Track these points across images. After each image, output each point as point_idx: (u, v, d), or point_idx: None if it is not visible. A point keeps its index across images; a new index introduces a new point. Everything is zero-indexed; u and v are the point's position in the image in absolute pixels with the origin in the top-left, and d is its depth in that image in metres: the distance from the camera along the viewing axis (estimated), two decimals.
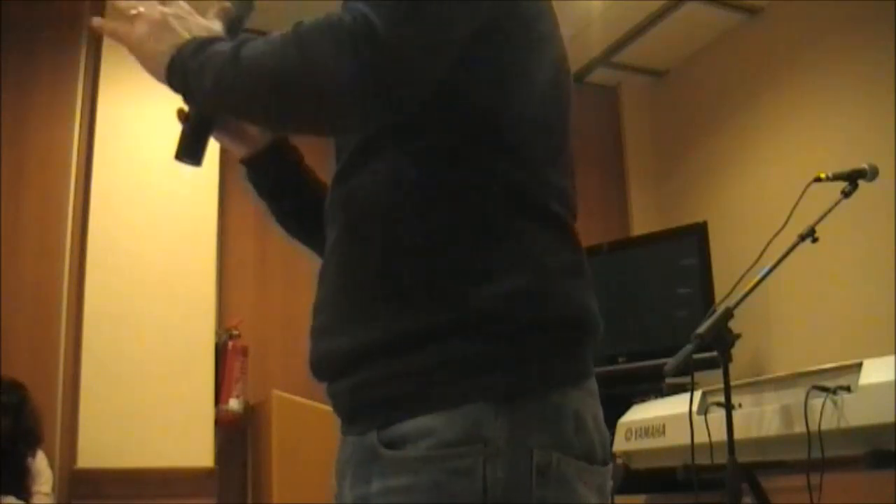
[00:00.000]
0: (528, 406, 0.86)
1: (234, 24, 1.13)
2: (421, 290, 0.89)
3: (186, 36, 1.00)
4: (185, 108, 1.08)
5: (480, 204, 0.90)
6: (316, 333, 0.99)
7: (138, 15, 1.06)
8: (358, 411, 0.93)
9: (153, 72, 1.01)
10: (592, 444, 0.91)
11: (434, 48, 0.86)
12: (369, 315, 0.91)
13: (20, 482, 3.01)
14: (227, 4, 1.14)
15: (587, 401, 0.93)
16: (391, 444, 0.87)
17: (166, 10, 1.04)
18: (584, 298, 0.96)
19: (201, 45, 0.97)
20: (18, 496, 2.98)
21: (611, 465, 0.96)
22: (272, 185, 1.20)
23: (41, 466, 3.12)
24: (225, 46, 0.93)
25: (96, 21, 1.12)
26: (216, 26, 1.08)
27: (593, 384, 0.96)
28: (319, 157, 1.17)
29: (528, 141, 0.95)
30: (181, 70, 0.97)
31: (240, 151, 1.20)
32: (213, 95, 0.95)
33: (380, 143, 0.93)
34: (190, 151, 1.08)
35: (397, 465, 0.86)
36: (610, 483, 0.96)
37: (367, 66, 0.81)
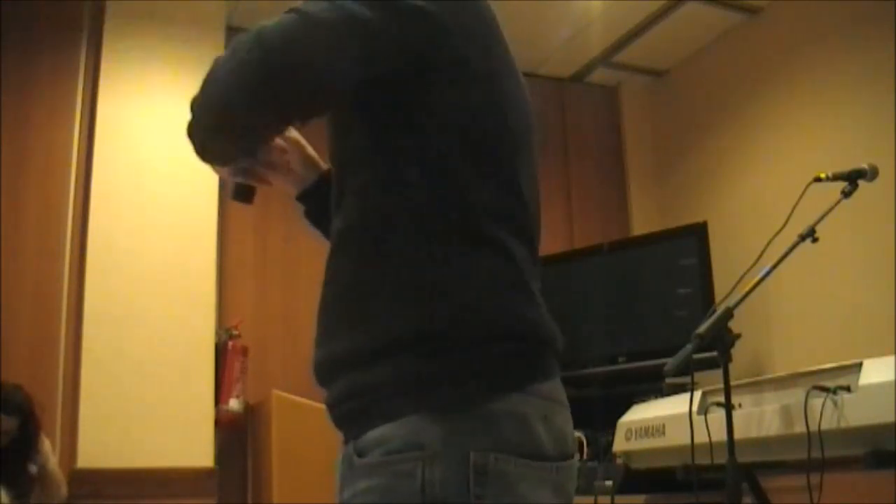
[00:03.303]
0: (465, 413, 0.95)
1: None
2: (376, 308, 1.00)
3: None
4: None
5: (425, 228, 1.01)
6: (314, 342, 1.11)
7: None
8: (341, 422, 1.05)
9: None
10: (540, 443, 0.98)
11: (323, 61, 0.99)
12: (334, 333, 1.04)
13: (19, 486, 3.00)
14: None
15: (534, 402, 0.99)
16: (360, 453, 0.98)
17: None
18: (523, 310, 1.02)
19: None
20: (15, 499, 2.98)
21: (573, 461, 1.04)
22: (319, 218, 1.29)
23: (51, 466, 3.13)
24: None
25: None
26: None
27: (546, 388, 1.02)
28: None
29: (455, 161, 1.03)
30: None
31: (290, 190, 1.32)
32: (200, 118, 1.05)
33: (351, 173, 1.07)
34: (244, 192, 1.24)
35: (362, 471, 0.97)
36: (571, 476, 1.03)
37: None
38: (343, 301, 1.05)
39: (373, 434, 0.97)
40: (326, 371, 1.06)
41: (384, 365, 0.97)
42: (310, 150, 1.31)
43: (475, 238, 1.02)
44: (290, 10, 0.97)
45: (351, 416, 1.01)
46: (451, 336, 0.97)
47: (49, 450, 3.16)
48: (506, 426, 0.96)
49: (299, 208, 1.33)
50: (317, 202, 1.30)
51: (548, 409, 1.01)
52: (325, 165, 1.32)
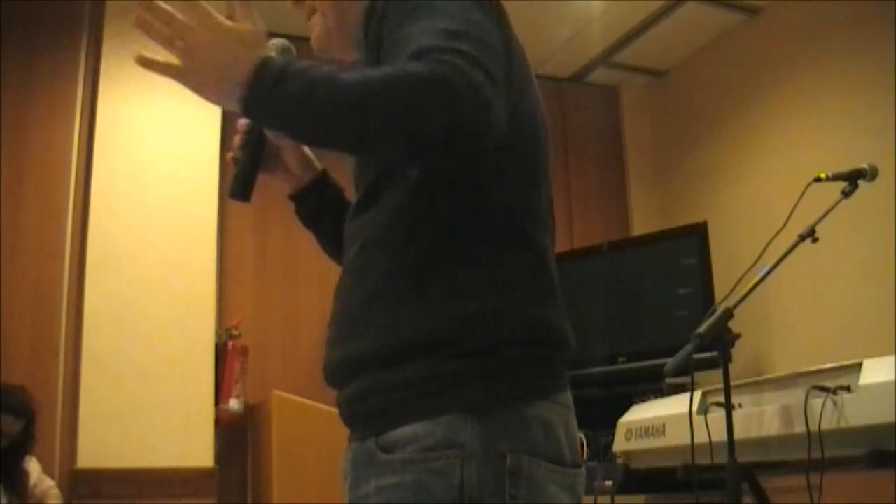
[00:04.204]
0: (499, 416, 0.97)
1: None
2: (408, 309, 1.00)
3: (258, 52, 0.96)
4: (237, 153, 1.22)
5: (462, 235, 1.02)
6: (327, 344, 1.11)
7: (194, 13, 0.97)
8: (357, 419, 1.05)
9: (218, 88, 0.97)
10: (562, 449, 1.02)
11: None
12: (362, 331, 1.03)
13: (18, 487, 3.00)
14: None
15: (557, 410, 1.03)
16: (385, 449, 0.98)
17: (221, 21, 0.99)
18: (552, 318, 1.04)
19: (302, 68, 0.94)
20: (14, 499, 2.97)
21: (583, 468, 1.07)
22: (315, 215, 1.34)
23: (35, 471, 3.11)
24: (336, 73, 0.92)
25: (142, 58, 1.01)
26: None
27: (564, 397, 1.05)
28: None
29: (513, 167, 1.05)
30: (277, 90, 0.93)
31: (285, 189, 1.33)
32: (332, 125, 0.94)
33: (390, 178, 1.05)
34: (242, 190, 1.22)
35: (389, 466, 0.97)
36: (582, 484, 1.06)
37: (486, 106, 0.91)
38: (370, 302, 1.03)
39: (403, 431, 0.97)
40: (346, 369, 1.05)
41: (415, 364, 0.98)
42: (307, 149, 1.31)
43: (514, 241, 1.04)
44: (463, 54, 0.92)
45: (374, 412, 1.01)
46: (485, 339, 0.98)
47: (39, 469, 3.13)
48: (536, 430, 0.98)
49: (291, 206, 1.35)
50: (310, 202, 1.33)
51: (567, 417, 1.04)
52: (319, 166, 1.34)
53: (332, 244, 1.32)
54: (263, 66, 0.93)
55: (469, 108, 0.89)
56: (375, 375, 1.00)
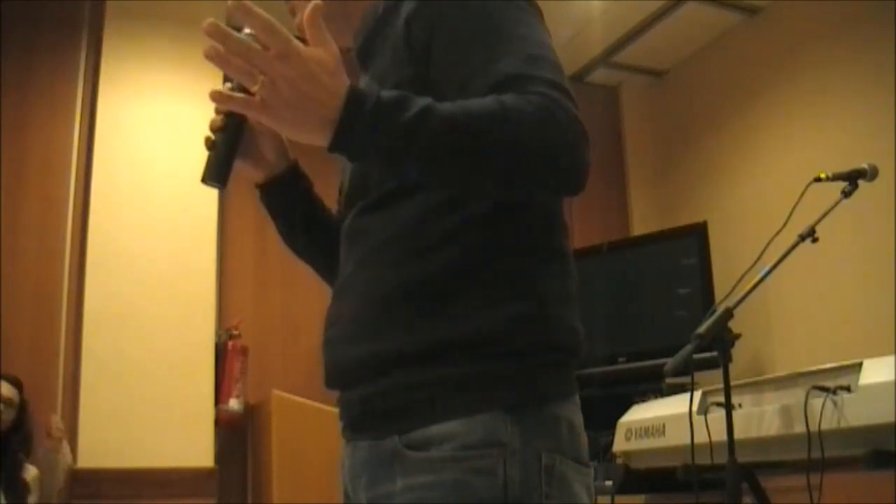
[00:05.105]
0: (532, 415, 0.97)
1: None
2: (438, 311, 0.99)
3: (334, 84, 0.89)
4: (212, 136, 1.11)
5: (493, 240, 1.01)
6: (331, 344, 1.08)
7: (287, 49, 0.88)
8: (374, 417, 1.02)
9: (309, 123, 0.89)
10: (583, 449, 1.03)
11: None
12: (389, 329, 1.00)
13: (16, 491, 2.99)
14: None
15: (577, 411, 1.04)
16: (414, 447, 0.96)
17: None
18: (575, 323, 1.05)
19: (420, 105, 0.90)
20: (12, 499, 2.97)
21: (591, 467, 1.08)
22: (285, 208, 1.28)
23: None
24: (454, 109, 0.91)
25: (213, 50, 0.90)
26: None
27: (578, 398, 1.07)
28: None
29: None
30: (391, 129, 0.89)
31: (257, 176, 1.27)
32: (471, 164, 0.92)
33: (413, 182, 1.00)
34: (217, 175, 1.13)
35: (421, 465, 0.95)
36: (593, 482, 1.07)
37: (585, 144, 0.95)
38: (399, 301, 1.01)
39: (437, 428, 0.95)
40: (364, 368, 1.02)
41: (451, 362, 0.97)
42: (284, 137, 1.24)
43: (547, 247, 1.05)
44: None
45: (399, 410, 0.99)
46: (523, 341, 0.98)
47: (39, 481, 3.11)
48: (564, 430, 1.00)
49: (256, 194, 1.29)
50: (282, 192, 1.27)
51: (581, 419, 1.05)
52: (293, 156, 1.28)
53: (303, 236, 1.29)
54: (356, 99, 0.88)
55: (582, 145, 0.93)
56: (404, 373, 0.99)
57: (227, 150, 1.14)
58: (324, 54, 0.89)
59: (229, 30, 0.88)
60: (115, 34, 3.88)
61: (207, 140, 1.12)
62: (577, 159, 0.93)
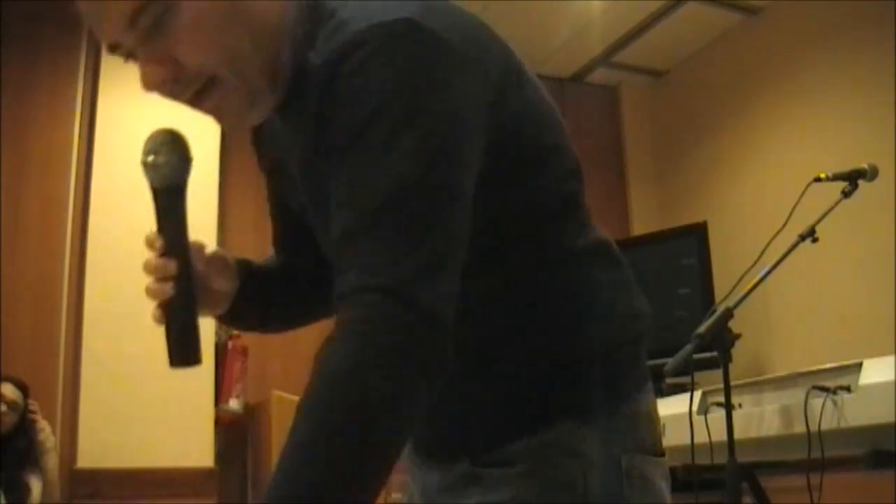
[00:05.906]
0: (607, 419, 0.95)
1: (168, 193, 0.96)
2: (521, 334, 0.96)
3: None
4: (165, 311, 0.99)
5: (557, 273, 0.98)
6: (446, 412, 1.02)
7: None
8: (448, 445, 1.00)
9: None
10: (660, 439, 1.02)
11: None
12: (480, 371, 0.96)
13: (17, 492, 2.99)
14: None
15: (651, 399, 1.03)
16: (491, 464, 0.94)
17: None
18: (630, 307, 1.04)
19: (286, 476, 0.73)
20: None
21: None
22: (262, 306, 1.17)
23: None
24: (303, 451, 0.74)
25: None
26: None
27: (650, 384, 1.05)
28: None
29: (580, 190, 1.06)
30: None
31: (214, 313, 1.13)
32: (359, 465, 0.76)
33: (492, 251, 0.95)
34: (194, 352, 0.98)
35: (500, 481, 0.93)
36: None
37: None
38: (482, 345, 0.96)
39: (513, 446, 0.93)
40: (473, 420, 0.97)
41: (517, 377, 0.95)
42: (220, 251, 1.12)
43: (600, 251, 1.06)
44: None
45: (471, 433, 0.97)
46: (587, 343, 0.97)
47: (40, 487, 3.10)
48: (641, 426, 0.98)
49: (224, 320, 1.16)
50: (250, 303, 1.14)
51: (657, 403, 1.04)
52: (232, 260, 1.13)
53: (290, 307, 1.21)
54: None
55: (425, 356, 0.78)
56: (476, 397, 0.96)
57: (192, 319, 0.99)
58: None
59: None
60: None
61: (161, 319, 1.01)
62: (402, 405, 0.76)
